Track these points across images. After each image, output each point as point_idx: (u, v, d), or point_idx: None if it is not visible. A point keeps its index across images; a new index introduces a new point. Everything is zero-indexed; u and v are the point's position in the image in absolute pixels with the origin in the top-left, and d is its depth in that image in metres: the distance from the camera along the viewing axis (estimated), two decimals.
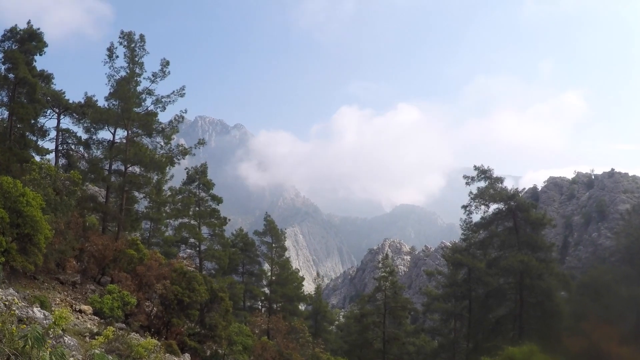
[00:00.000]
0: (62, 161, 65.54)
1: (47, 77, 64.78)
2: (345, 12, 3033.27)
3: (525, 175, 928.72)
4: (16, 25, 60.47)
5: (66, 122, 66.06)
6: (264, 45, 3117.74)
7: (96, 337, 25.91)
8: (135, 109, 60.39)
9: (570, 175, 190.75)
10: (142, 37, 60.50)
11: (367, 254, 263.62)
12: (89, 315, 37.76)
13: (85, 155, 64.89)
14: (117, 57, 59.50)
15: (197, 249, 77.93)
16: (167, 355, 31.79)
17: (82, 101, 65.07)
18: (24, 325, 19.15)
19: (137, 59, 60.24)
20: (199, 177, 77.88)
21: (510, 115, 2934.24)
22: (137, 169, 61.97)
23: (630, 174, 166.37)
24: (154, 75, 60.60)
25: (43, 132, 64.19)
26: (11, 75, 57.25)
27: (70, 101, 65.27)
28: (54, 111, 65.02)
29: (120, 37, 59.89)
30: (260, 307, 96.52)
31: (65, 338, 21.14)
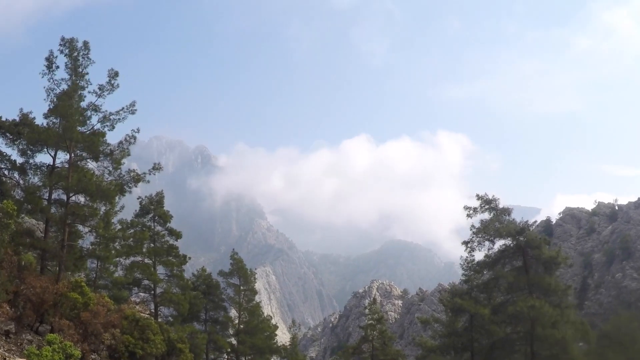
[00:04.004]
0: None
1: None
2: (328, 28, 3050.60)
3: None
4: None
5: None
6: (228, 54, 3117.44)
7: None
8: (79, 128, 59.60)
9: (589, 205, 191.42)
10: (85, 44, 59.54)
11: (351, 298, 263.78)
12: None
13: (21, 182, 64.09)
14: (58, 67, 58.66)
15: (152, 292, 77.71)
16: None
17: (17, 119, 64.58)
18: None
19: (80, 70, 59.51)
20: (154, 207, 77.83)
21: None
22: (81, 199, 61.45)
23: None
24: (101, 88, 59.62)
25: None
26: None
27: (3, 119, 64.89)
28: None
29: (60, 45, 58.85)
30: None
31: None
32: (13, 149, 63.42)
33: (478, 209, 75.87)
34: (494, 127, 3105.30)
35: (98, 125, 60.96)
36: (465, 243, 76.29)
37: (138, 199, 78.57)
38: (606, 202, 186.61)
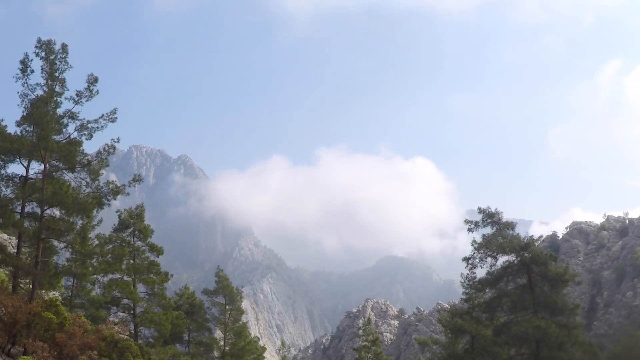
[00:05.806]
0: None
1: None
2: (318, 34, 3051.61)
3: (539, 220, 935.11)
4: None
5: None
6: (214, 57, 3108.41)
7: None
8: (55, 137, 59.11)
9: (598, 219, 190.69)
10: (64, 47, 58.80)
11: (344, 318, 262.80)
12: None
13: None
14: (33, 71, 57.80)
15: (132, 311, 77.51)
16: None
17: None
18: None
19: (57, 75, 58.71)
20: (134, 221, 77.64)
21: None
22: (56, 212, 61.02)
23: None
24: (79, 94, 58.90)
25: None
26: None
27: None
28: None
29: (36, 47, 57.97)
30: None
31: None
32: None
33: (480, 223, 75.56)
34: (486, 136, 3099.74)
35: (75, 134, 60.20)
36: (466, 259, 75.79)
37: (117, 212, 78.36)
38: (616, 216, 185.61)
